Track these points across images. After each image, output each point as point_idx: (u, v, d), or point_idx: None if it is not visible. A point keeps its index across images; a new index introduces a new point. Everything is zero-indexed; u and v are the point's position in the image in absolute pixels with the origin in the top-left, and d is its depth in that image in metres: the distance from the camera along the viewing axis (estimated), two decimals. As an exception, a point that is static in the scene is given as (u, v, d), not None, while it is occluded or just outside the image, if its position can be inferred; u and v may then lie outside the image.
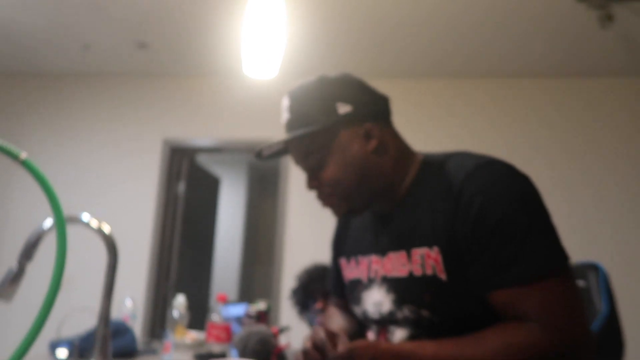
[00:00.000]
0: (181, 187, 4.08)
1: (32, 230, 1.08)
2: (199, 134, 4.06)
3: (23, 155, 0.75)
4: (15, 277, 1.10)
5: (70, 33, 3.50)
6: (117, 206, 3.90)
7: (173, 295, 3.90)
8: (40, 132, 4.10)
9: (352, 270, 1.08)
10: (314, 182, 0.99)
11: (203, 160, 4.81)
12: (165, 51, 3.72)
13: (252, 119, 4.01)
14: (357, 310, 1.06)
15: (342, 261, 1.12)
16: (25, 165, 0.76)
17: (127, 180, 3.98)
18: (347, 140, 0.96)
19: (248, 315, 1.44)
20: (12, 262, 1.09)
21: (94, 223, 1.09)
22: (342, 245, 1.14)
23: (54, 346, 1.44)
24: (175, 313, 1.31)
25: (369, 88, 1.01)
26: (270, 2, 2.23)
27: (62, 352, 1.37)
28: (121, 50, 3.71)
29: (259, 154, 1.05)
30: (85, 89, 4.21)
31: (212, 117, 4.07)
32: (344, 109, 0.97)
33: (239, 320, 1.48)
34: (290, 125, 0.99)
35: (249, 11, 2.39)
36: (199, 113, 4.09)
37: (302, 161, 1.00)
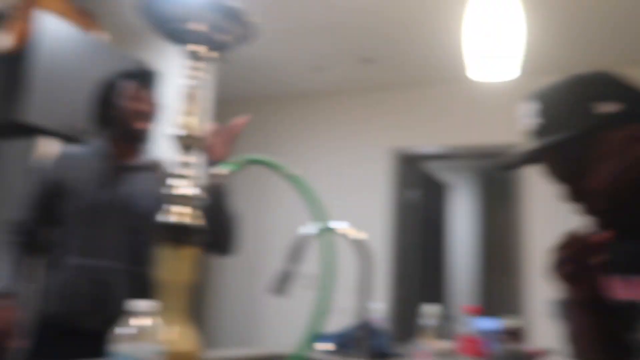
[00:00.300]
0: (412, 195, 4.15)
1: (295, 237, 1.22)
2: (426, 141, 4.09)
3: (293, 171, 0.86)
4: (285, 277, 1.25)
5: (302, 57, 3.89)
6: (350, 217, 4.15)
7: (413, 303, 3.97)
8: (279, 151, 4.66)
9: (625, 290, 0.93)
10: (576, 192, 0.88)
11: (432, 167, 4.82)
12: (389, 64, 3.85)
13: (480, 124, 3.86)
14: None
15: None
16: (292, 180, 0.87)
17: (359, 192, 4.22)
18: (620, 143, 0.83)
19: (506, 332, 1.37)
20: (278, 265, 1.25)
21: (348, 231, 1.18)
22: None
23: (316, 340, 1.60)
24: (425, 321, 1.32)
25: (633, 84, 0.87)
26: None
27: (328, 346, 1.54)
28: (348, 67, 3.97)
29: (502, 166, 0.99)
30: (315, 108, 4.63)
31: (439, 124, 4.05)
32: (605, 108, 0.85)
33: (489, 334, 1.42)
34: (543, 131, 0.88)
35: (472, 12, 2.30)
36: (425, 121, 4.12)
37: (559, 170, 0.89)
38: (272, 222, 4.61)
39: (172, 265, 0.74)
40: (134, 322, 0.61)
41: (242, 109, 5.02)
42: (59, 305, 1.46)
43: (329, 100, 4.58)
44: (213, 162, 1.33)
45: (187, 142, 0.77)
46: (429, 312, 1.36)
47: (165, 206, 0.77)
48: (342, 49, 3.65)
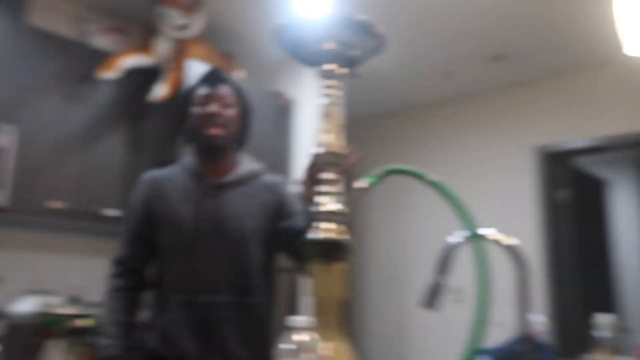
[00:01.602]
0: (563, 195, 3.80)
1: (442, 247, 1.18)
2: (575, 135, 3.73)
3: (433, 177, 0.84)
4: (435, 290, 1.21)
5: (430, 63, 3.81)
6: (497, 223, 3.92)
7: (576, 313, 3.61)
8: (414, 164, 4.58)
9: None
10: None
11: (584, 163, 4.38)
12: (522, 58, 3.61)
13: (637, 109, 3.44)
14: None
15: None
16: (435, 186, 0.84)
17: (504, 196, 3.99)
18: None
19: None
20: (427, 276, 1.21)
21: (499, 237, 1.11)
22: None
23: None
24: (599, 333, 1.18)
25: None
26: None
27: None
28: (478, 67, 3.80)
29: None
30: (447, 115, 4.49)
31: (588, 114, 3.68)
32: None
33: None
34: None
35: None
36: (571, 113, 3.77)
37: None
38: (415, 233, 4.54)
39: (325, 282, 0.75)
40: (294, 337, 0.62)
41: (372, 126, 5.08)
42: (165, 349, 1.32)
43: (461, 104, 4.42)
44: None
45: (328, 159, 0.79)
46: (603, 323, 1.21)
47: (312, 224, 0.79)
48: (471, 49, 3.51)
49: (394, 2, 3.03)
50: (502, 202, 3.97)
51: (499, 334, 1.56)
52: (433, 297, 1.15)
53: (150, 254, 1.43)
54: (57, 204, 2.72)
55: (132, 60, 3.00)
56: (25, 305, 2.47)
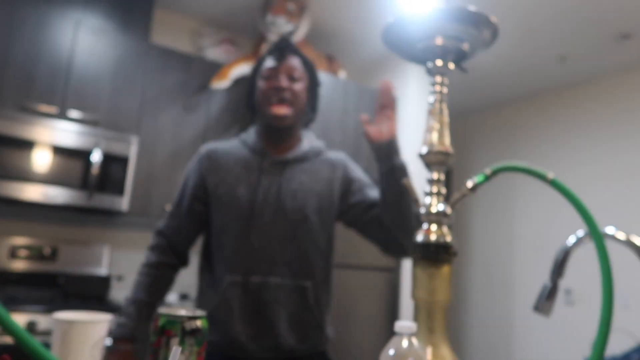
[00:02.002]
0: None
1: (560, 248, 1.11)
2: None
3: (550, 175, 0.79)
4: (550, 293, 1.14)
5: (544, 49, 3.57)
6: (628, 216, 3.59)
7: None
8: (528, 157, 4.31)
9: None
10: None
11: None
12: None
13: None
14: None
15: None
16: (554, 184, 0.79)
17: (628, 190, 3.63)
18: None
19: None
20: (535, 278, 1.14)
21: (622, 236, 1.02)
22: None
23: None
24: None
25: None
26: None
27: None
28: (598, 49, 3.49)
29: None
30: (563, 103, 4.17)
31: None
32: None
33: None
34: None
35: None
36: None
37: None
38: (523, 233, 4.30)
39: (429, 285, 0.74)
40: (399, 343, 0.62)
41: (480, 119, 4.88)
42: (216, 333, 1.23)
43: (579, 90, 4.09)
44: (386, 143, 1.19)
45: (434, 159, 0.78)
46: None
47: (418, 225, 0.79)
48: (591, 30, 3.23)
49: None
50: (629, 197, 3.61)
51: (620, 340, 1.43)
52: (548, 300, 1.08)
53: (197, 230, 1.36)
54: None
55: (242, 69, 3.17)
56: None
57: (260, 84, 1.33)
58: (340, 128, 3.34)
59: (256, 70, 1.38)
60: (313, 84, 1.39)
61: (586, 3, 2.93)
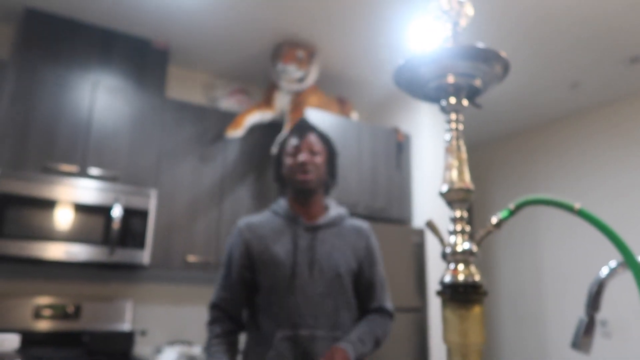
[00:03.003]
0: None
1: (593, 280, 1.07)
2: None
3: (577, 205, 0.77)
4: (588, 328, 1.09)
5: (556, 77, 3.58)
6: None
7: None
8: (549, 186, 4.25)
9: None
10: None
11: None
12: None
13: None
14: None
15: None
16: (581, 214, 0.77)
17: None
18: None
19: None
20: (567, 311, 1.10)
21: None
22: None
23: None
24: None
25: None
26: None
27: None
28: (610, 74, 3.48)
29: None
30: (576, 129, 4.14)
31: None
32: None
33: None
34: None
35: None
36: None
37: None
38: (549, 265, 4.18)
39: (461, 327, 0.71)
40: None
41: (497, 150, 4.85)
42: None
43: (593, 115, 4.07)
44: None
45: (456, 196, 0.77)
46: None
47: (447, 266, 0.77)
48: (602, 55, 3.24)
49: (511, 18, 2.92)
50: (658, 222, 3.52)
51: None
52: (586, 336, 1.03)
53: (246, 296, 1.50)
54: (193, 258, 2.95)
55: (256, 117, 3.22)
56: (168, 356, 2.68)
57: (287, 159, 1.55)
58: (357, 168, 3.35)
59: (282, 147, 1.60)
60: (331, 155, 1.61)
61: (596, 29, 2.95)
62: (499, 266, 4.63)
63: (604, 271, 1.06)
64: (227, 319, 1.50)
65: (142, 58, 3.10)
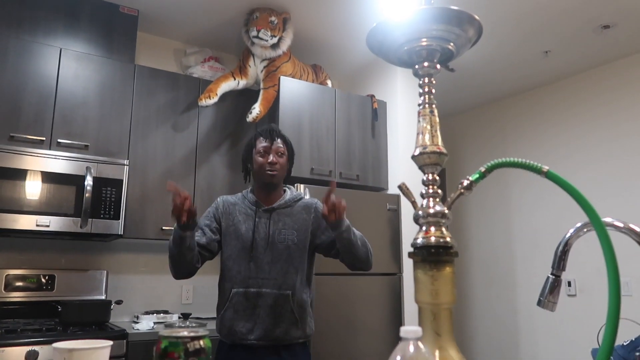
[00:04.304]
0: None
1: (551, 239, 1.10)
2: None
3: (545, 168, 0.78)
4: (553, 287, 1.14)
5: (528, 45, 3.60)
6: (622, 205, 3.61)
7: None
8: (520, 153, 4.33)
9: None
10: None
11: None
12: (631, 25, 3.28)
13: None
14: None
15: None
16: (549, 176, 0.79)
17: (624, 179, 3.65)
18: None
19: None
20: (536, 272, 1.14)
21: (621, 224, 1.01)
22: None
23: (595, 353, 1.40)
24: None
25: None
26: None
27: None
28: (581, 42, 3.52)
29: None
30: (549, 97, 4.20)
31: None
32: None
33: None
34: None
35: None
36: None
37: None
38: (520, 228, 4.30)
39: (433, 287, 0.73)
40: (405, 348, 0.60)
41: (470, 118, 4.90)
42: (225, 328, 1.79)
43: (565, 84, 4.13)
44: (337, 220, 1.69)
45: (428, 160, 0.77)
46: None
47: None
48: (573, 22, 3.26)
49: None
50: (628, 185, 3.63)
51: (625, 329, 1.42)
52: (552, 295, 1.07)
53: (208, 242, 1.83)
54: (169, 227, 2.94)
55: (230, 85, 3.17)
56: (143, 325, 2.69)
57: (257, 158, 1.89)
58: (332, 136, 3.34)
59: (252, 145, 1.93)
60: (291, 155, 1.97)
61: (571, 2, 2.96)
62: (472, 230, 4.74)
63: (570, 231, 1.09)
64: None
65: (110, 24, 3.00)
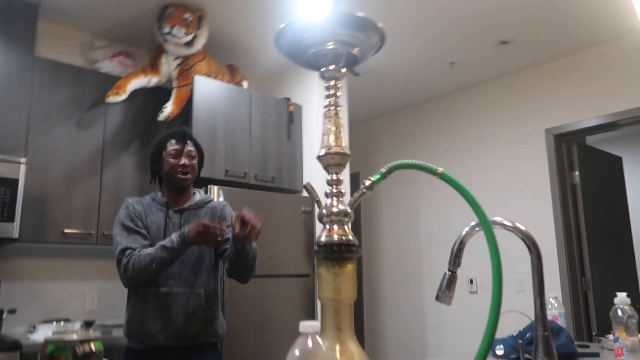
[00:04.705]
0: (576, 174, 3.77)
1: (454, 239, 1.18)
2: (586, 114, 3.68)
3: (440, 170, 0.84)
4: (449, 282, 1.21)
5: (435, 55, 3.80)
6: (513, 206, 3.91)
7: (597, 293, 3.56)
8: (428, 156, 4.57)
9: None
10: None
11: (596, 141, 4.34)
12: (528, 41, 3.58)
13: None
14: None
15: None
16: (444, 177, 0.84)
17: (517, 182, 3.96)
18: None
19: None
20: (443, 269, 1.21)
21: (508, 224, 1.11)
22: None
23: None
24: (617, 314, 1.17)
25: None
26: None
27: (499, 351, 1.43)
28: (483, 55, 3.78)
29: None
30: (455, 106, 4.47)
31: (597, 93, 3.63)
32: None
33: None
34: None
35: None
36: (579, 93, 3.73)
37: None
38: (427, 227, 4.53)
39: (335, 284, 0.75)
40: (304, 342, 0.62)
41: (380, 124, 5.07)
42: (134, 329, 1.76)
43: (469, 93, 4.40)
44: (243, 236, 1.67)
45: (332, 160, 0.80)
46: (620, 303, 1.19)
47: (322, 225, 0.80)
48: (476, 36, 3.48)
49: None
50: (518, 188, 3.94)
51: (517, 321, 1.55)
52: (448, 290, 1.15)
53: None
54: (72, 230, 2.77)
55: (140, 82, 3.05)
56: (40, 335, 2.52)
57: (168, 159, 1.89)
58: (247, 138, 3.32)
59: (162, 147, 1.92)
60: (201, 158, 1.99)
61: (469, 10, 3.16)
62: (385, 230, 4.91)
63: (465, 230, 1.17)
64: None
65: (8, 10, 2.78)
